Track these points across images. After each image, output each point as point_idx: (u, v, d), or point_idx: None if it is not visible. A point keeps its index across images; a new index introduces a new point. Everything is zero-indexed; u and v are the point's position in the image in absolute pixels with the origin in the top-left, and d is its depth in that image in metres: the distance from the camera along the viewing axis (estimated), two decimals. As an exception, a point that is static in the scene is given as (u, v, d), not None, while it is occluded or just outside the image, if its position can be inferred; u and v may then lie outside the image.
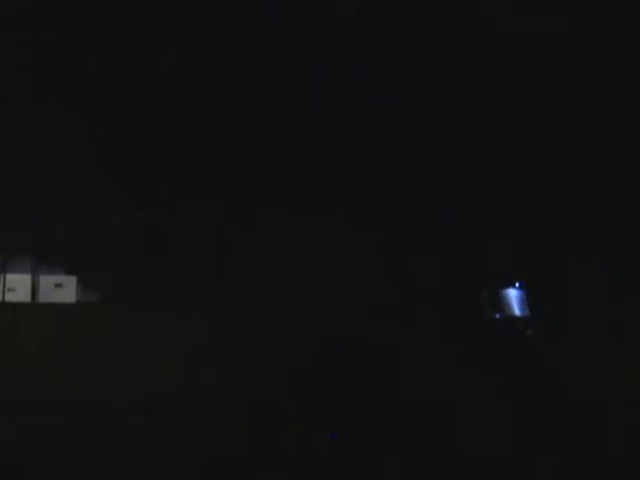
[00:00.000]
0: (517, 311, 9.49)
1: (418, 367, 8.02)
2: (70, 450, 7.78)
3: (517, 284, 9.79)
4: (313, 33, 10.33)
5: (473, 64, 10.47)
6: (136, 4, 10.07)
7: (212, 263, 10.13)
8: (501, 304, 9.44)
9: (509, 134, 10.55)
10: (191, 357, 8.71)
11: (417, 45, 10.49)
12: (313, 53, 10.39)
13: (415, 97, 10.62)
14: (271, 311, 9.07)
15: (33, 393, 8.64)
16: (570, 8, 10.06)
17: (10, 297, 9.44)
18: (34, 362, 8.86)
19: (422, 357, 8.17)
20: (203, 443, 6.79)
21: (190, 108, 10.11)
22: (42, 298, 9.66)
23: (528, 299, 9.58)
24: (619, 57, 10.34)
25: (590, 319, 8.64)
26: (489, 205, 10.59)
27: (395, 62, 10.57)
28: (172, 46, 10.13)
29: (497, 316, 9.46)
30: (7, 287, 9.46)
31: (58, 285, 9.80)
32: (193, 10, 10.16)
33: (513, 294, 9.70)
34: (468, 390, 7.91)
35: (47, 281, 9.81)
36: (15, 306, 9.21)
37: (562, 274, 10.19)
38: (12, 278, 9.53)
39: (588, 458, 6.21)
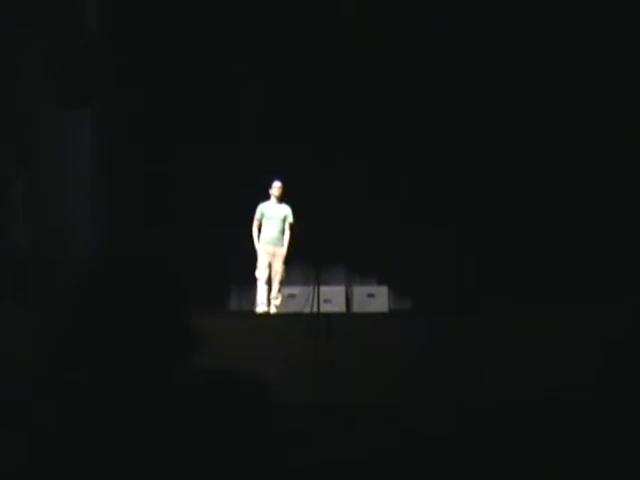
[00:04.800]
0: None
1: None
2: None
3: None
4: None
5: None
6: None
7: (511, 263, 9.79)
8: None
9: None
10: (505, 357, 8.28)
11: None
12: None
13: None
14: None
15: (347, 399, 8.67)
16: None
17: (326, 308, 9.61)
18: (349, 369, 8.91)
19: None
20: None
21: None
22: (356, 308, 9.77)
23: None
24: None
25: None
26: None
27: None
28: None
29: None
30: (323, 298, 9.66)
31: (371, 295, 9.88)
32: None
33: None
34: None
35: (360, 292, 9.92)
36: (330, 316, 9.35)
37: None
38: (327, 290, 9.72)
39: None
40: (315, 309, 9.16)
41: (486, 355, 8.32)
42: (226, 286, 10.60)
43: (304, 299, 9.55)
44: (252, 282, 9.79)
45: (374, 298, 9.83)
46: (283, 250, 9.32)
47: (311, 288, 9.56)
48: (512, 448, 5.61)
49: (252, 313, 9.72)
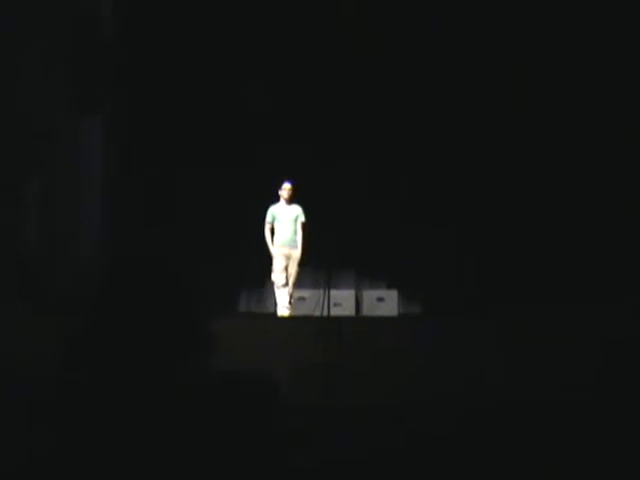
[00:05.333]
0: None
1: None
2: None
3: None
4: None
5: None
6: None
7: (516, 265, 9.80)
8: None
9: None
10: (506, 357, 8.30)
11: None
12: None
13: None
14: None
15: (353, 402, 8.71)
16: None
17: (336, 312, 9.65)
18: (358, 373, 8.95)
19: None
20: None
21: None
22: (366, 312, 9.82)
23: None
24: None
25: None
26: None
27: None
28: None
29: None
30: (333, 302, 9.71)
31: (380, 299, 9.92)
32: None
33: None
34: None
35: (370, 295, 9.97)
36: (339, 319, 9.39)
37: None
38: (337, 294, 9.76)
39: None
40: (325, 312, 9.23)
41: (493, 356, 8.36)
42: (236, 288, 10.65)
43: (314, 302, 9.58)
44: (261, 284, 9.88)
45: (384, 302, 9.87)
46: (298, 252, 9.29)
47: (321, 291, 9.59)
48: (514, 448, 5.66)
49: (262, 315, 9.79)
